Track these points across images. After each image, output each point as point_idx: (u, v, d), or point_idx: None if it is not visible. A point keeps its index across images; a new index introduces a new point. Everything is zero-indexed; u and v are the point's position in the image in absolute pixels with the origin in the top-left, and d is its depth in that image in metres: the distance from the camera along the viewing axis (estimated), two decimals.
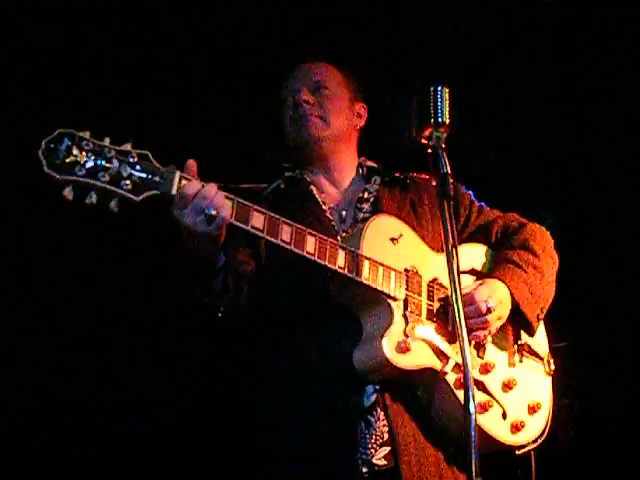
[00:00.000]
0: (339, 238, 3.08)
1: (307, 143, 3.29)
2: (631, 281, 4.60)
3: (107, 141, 2.64)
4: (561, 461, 4.19)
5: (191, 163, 2.72)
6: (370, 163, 3.41)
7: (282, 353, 3.01)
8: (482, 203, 3.41)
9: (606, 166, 4.71)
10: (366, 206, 3.24)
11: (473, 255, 3.27)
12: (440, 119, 2.81)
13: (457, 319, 2.54)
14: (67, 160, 2.56)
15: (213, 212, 2.64)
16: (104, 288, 4.50)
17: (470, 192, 3.42)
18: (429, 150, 2.77)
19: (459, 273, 2.59)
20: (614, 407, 4.56)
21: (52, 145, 2.56)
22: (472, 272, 3.20)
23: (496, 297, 3.01)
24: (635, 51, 4.54)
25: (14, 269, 4.40)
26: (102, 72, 4.37)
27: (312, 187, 3.29)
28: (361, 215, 3.22)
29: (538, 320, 3.16)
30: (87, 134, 2.62)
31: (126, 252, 4.48)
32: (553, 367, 3.26)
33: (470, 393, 2.42)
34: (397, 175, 3.35)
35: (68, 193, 2.55)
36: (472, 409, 2.40)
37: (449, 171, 2.73)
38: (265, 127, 3.86)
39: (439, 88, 2.84)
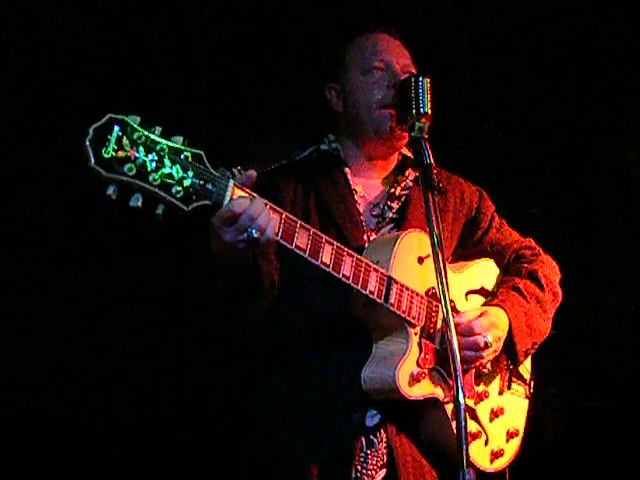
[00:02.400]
0: (365, 237, 2.98)
1: (387, 131, 3.03)
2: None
3: (158, 132, 2.34)
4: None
5: (251, 174, 2.48)
6: (406, 152, 3.20)
7: (291, 358, 2.90)
8: (503, 220, 3.32)
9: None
10: (396, 205, 3.09)
11: (484, 273, 3.21)
12: (422, 110, 2.83)
13: (443, 308, 2.60)
14: (118, 155, 2.24)
15: (256, 235, 2.43)
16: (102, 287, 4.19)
17: (494, 205, 3.32)
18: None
19: (445, 267, 2.65)
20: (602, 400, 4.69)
21: (101, 133, 2.23)
22: (482, 291, 3.15)
23: (495, 332, 2.96)
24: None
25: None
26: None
27: (347, 170, 3.09)
28: (390, 215, 3.07)
29: (526, 355, 3.14)
30: (138, 121, 2.31)
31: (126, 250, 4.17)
32: (532, 390, 3.28)
33: (459, 382, 2.50)
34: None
35: (112, 193, 2.25)
36: (461, 400, 2.48)
37: (432, 162, 2.76)
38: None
39: (420, 78, 2.85)
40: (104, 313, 4.17)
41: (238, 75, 4.23)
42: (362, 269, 2.71)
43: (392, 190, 3.12)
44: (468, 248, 3.23)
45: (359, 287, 2.70)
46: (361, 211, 3.05)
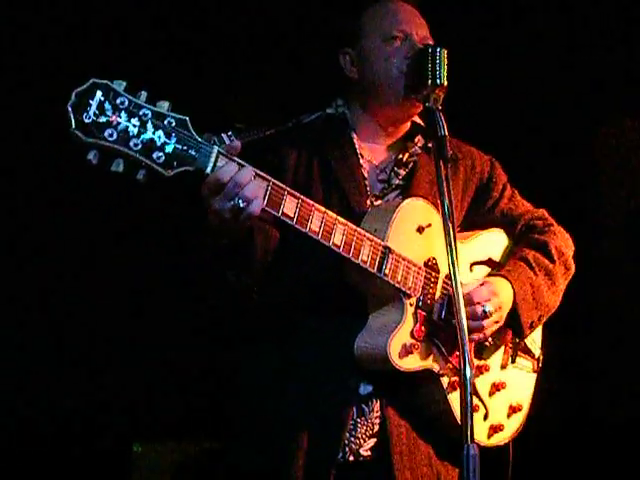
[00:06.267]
0: (368, 202, 2.96)
1: (402, 100, 3.00)
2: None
3: (143, 97, 2.37)
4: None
5: (237, 145, 2.48)
6: (417, 119, 3.16)
7: (287, 325, 2.89)
8: (515, 190, 3.27)
9: None
10: (403, 172, 3.06)
11: (492, 243, 3.17)
12: (438, 80, 2.82)
13: (455, 293, 2.56)
14: (98, 120, 2.29)
15: (242, 205, 2.44)
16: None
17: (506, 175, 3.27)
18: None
19: (455, 241, 2.61)
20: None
21: (83, 98, 2.27)
22: (489, 262, 3.11)
23: (496, 300, 2.92)
24: None
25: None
26: None
27: (354, 134, 3.07)
28: (396, 181, 3.05)
29: (532, 327, 3.08)
30: (123, 86, 2.35)
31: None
32: (541, 365, 3.22)
33: (466, 356, 2.48)
34: None
35: (93, 157, 2.30)
36: (468, 373, 2.46)
37: (446, 133, 2.74)
38: None
39: (437, 49, 2.84)
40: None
41: (247, 41, 4.27)
42: (354, 238, 2.70)
43: (400, 156, 3.09)
44: (479, 217, 3.18)
45: (350, 256, 2.69)
46: (366, 176, 3.02)
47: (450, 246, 2.61)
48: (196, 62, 4.40)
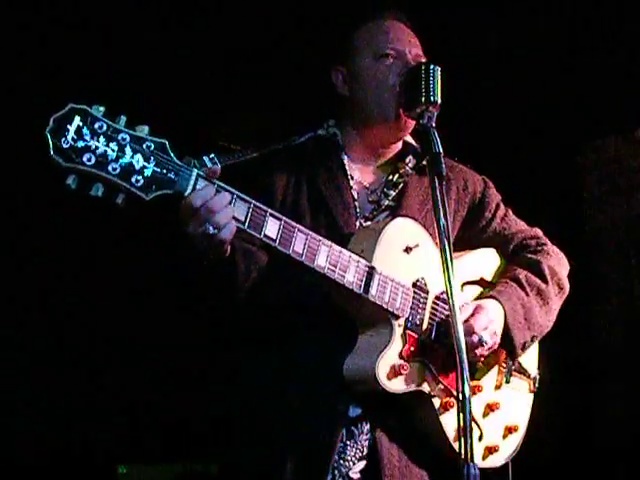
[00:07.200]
0: (358, 224, 2.91)
1: (394, 118, 2.95)
2: None
3: (122, 122, 2.34)
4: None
5: (215, 169, 2.45)
6: (409, 139, 3.11)
7: (276, 345, 2.85)
8: (509, 209, 3.21)
9: None
10: (393, 193, 3.01)
11: (484, 263, 3.12)
12: (432, 98, 2.78)
13: (450, 304, 2.49)
14: (77, 145, 2.26)
15: (213, 231, 2.42)
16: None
17: (499, 195, 3.21)
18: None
19: (452, 262, 2.54)
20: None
21: (61, 123, 2.25)
22: (480, 282, 3.06)
23: (492, 328, 2.87)
24: None
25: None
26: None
27: (344, 155, 3.03)
28: (385, 202, 3.00)
29: (524, 348, 3.03)
30: (101, 111, 2.32)
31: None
32: (537, 385, 3.18)
33: (465, 374, 2.41)
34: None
35: (72, 182, 2.28)
36: (467, 392, 2.40)
37: (441, 150, 2.68)
38: None
39: (431, 66, 2.80)
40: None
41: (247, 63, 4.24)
42: (339, 259, 2.65)
43: (390, 177, 3.05)
44: (472, 237, 3.12)
45: (335, 278, 2.65)
46: (356, 197, 2.98)
47: (446, 263, 2.54)
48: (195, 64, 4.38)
